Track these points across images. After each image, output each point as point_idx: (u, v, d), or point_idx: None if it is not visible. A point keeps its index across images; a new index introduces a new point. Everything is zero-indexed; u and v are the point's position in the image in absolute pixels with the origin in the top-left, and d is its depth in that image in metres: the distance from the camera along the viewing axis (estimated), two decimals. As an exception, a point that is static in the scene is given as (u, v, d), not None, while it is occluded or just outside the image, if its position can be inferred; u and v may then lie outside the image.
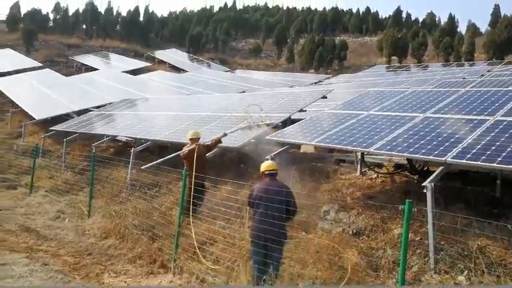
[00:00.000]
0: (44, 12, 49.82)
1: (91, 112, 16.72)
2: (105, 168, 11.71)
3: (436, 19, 54.44)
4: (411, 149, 5.57)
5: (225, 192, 7.82)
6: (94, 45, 44.97)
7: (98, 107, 17.48)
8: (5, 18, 47.51)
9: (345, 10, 66.32)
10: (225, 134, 8.22)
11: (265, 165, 5.51)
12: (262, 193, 5.21)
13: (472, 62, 29.01)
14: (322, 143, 6.39)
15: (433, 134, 5.81)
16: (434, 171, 5.66)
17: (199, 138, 8.02)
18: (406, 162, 7.73)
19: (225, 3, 73.73)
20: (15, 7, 47.71)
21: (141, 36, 51.68)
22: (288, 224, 5.34)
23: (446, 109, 6.71)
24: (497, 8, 37.80)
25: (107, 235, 7.17)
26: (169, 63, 41.46)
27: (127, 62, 37.90)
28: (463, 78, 15.31)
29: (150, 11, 60.39)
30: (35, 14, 46.12)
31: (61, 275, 5.69)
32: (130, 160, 10.74)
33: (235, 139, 8.27)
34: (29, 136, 17.33)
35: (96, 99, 19.31)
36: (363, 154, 7.85)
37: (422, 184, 4.97)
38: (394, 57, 35.43)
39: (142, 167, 8.71)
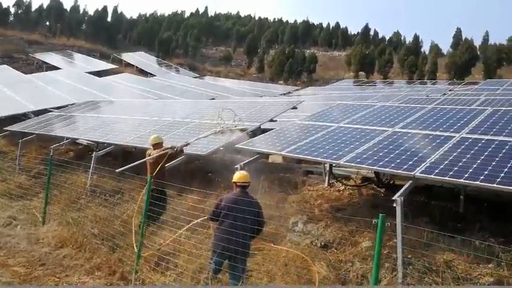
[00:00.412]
0: (4, 5, 47.54)
1: (51, 113, 15.94)
2: (64, 172, 11.10)
3: (402, 38, 56.56)
4: (381, 163, 5.59)
5: (190, 201, 7.57)
6: (57, 43, 43.35)
7: (58, 108, 16.70)
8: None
9: (315, 24, 67.66)
10: (187, 144, 7.95)
11: (238, 176, 5.37)
12: (233, 204, 5.04)
13: (434, 81, 30.26)
14: (292, 153, 6.31)
15: (401, 149, 5.87)
16: (400, 185, 5.71)
17: (162, 143, 7.78)
18: (373, 175, 7.80)
19: (197, 9, 73.81)
20: (-27, -1, 45.34)
21: (108, 37, 50.43)
22: (256, 236, 5.24)
23: (414, 124, 6.82)
24: (459, 31, 39.82)
25: (62, 244, 6.71)
26: (136, 67, 40.56)
27: (92, 62, 36.74)
28: (427, 95, 15.85)
29: (119, 12, 59.11)
30: (-7, 6, 43.88)
31: (10, 287, 5.24)
32: (92, 165, 10.25)
33: (202, 146, 8.04)
34: (-20, 136, 16.25)
35: (56, 99, 18.48)
36: (331, 166, 7.85)
37: (392, 198, 4.97)
38: (361, 73, 36.42)
39: (118, 170, 8.31)
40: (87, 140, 12.69)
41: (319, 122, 7.57)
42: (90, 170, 10.23)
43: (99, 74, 31.37)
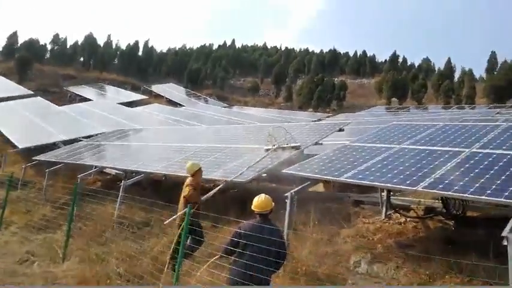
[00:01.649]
0: (42, 42, 49.61)
1: (80, 142, 15.58)
2: (90, 203, 10.47)
3: (432, 64, 55.06)
4: (476, 190, 4.39)
5: (227, 233, 6.64)
6: (90, 76, 44.49)
7: (88, 137, 16.37)
8: (0, 49, 47.38)
9: (341, 53, 67.22)
10: (226, 182, 7.09)
11: (256, 203, 4.53)
12: (253, 232, 4.27)
13: (473, 105, 28.61)
14: (353, 179, 5.31)
15: (495, 170, 4.75)
16: (473, 217, 4.65)
17: (201, 171, 6.90)
18: (437, 205, 6.67)
19: (224, 41, 74.83)
20: (13, 37, 47.59)
21: (139, 70, 51.58)
22: (277, 272, 4.49)
23: (494, 144, 5.72)
24: (493, 54, 38.16)
25: (83, 285, 5.86)
26: (166, 97, 40.88)
27: (123, 94, 37.23)
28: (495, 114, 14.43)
29: (150, 46, 60.67)
30: (31, 43, 45.86)
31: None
32: (120, 194, 9.54)
33: (241, 172, 7.16)
34: (10, 166, 16.00)
35: (87, 129, 18.24)
36: (389, 194, 6.76)
37: (503, 235, 3.86)
38: (393, 99, 35.14)
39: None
40: (116, 169, 12.08)
41: (377, 144, 6.57)
42: (118, 200, 9.51)
43: (130, 105, 31.56)
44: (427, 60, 53.56)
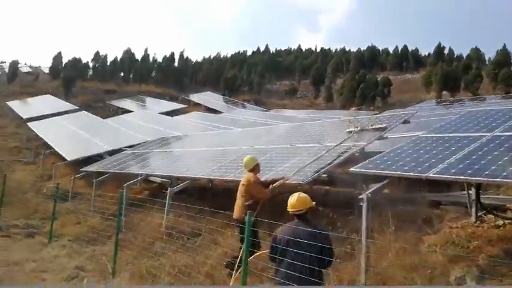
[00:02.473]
0: (84, 60, 51.36)
1: (124, 151, 15.39)
2: (138, 212, 10.08)
3: (482, 54, 51.78)
4: None
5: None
6: (130, 90, 45.36)
7: (131, 147, 16.19)
8: (48, 70, 49.54)
9: (380, 49, 64.99)
10: (285, 179, 6.30)
11: (290, 203, 3.95)
12: (289, 236, 3.73)
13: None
14: (445, 175, 4.36)
15: None
16: None
17: (259, 166, 6.19)
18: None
19: (258, 47, 74.62)
20: (58, 57, 49.58)
21: (176, 80, 52.21)
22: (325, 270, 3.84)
23: None
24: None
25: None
26: (204, 106, 40.83)
27: (162, 104, 37.53)
28: None
29: (185, 57, 61.45)
30: (75, 62, 47.52)
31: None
32: (166, 203, 9.02)
33: (300, 172, 6.37)
34: (60, 178, 16.10)
35: (130, 139, 18.12)
36: (478, 193, 5.71)
37: None
38: (444, 92, 33.02)
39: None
40: (161, 177, 11.64)
41: (460, 133, 5.57)
42: (166, 209, 8.99)
43: (170, 114, 31.66)
44: (476, 50, 50.41)
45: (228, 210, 9.54)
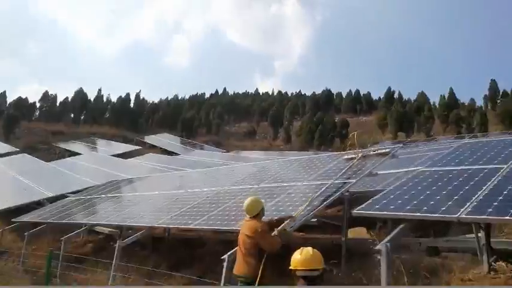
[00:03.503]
0: (31, 100, 48.49)
1: (67, 198, 13.55)
2: (79, 271, 8.39)
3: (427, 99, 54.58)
4: None
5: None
6: (81, 132, 42.92)
7: (77, 192, 14.35)
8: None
9: (334, 93, 67.12)
10: (293, 218, 5.02)
11: (301, 260, 2.85)
12: None
13: (486, 134, 27.17)
14: (481, 215, 3.36)
15: None
16: None
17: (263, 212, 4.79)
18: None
19: (216, 90, 74.78)
20: (1, 97, 46.51)
21: (131, 122, 50.34)
22: None
23: None
24: (494, 82, 37.56)
25: None
26: (160, 147, 39.14)
27: (115, 146, 35.50)
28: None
29: (141, 98, 60.03)
30: (20, 102, 44.65)
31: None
32: (114, 258, 7.46)
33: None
34: (-15, 232, 13.81)
35: (76, 183, 16.24)
36: (489, 236, 4.85)
37: None
38: (400, 133, 33.77)
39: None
40: (109, 226, 10.06)
41: (472, 166, 4.75)
42: (113, 267, 7.41)
43: (123, 156, 29.72)
44: (423, 94, 53.08)
45: (189, 266, 8.16)
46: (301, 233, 9.07)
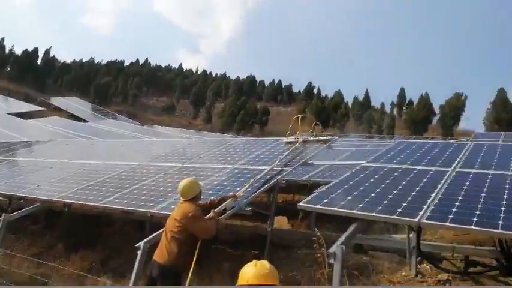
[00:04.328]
0: None
1: None
2: None
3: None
4: None
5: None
6: (-29, 82, 37.39)
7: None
8: None
9: (258, 80, 67.52)
10: (236, 197, 4.56)
11: (252, 273, 2.29)
12: None
13: (393, 136, 29.25)
14: (439, 221, 3.08)
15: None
16: None
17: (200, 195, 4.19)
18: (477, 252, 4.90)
19: (137, 59, 70.30)
20: None
21: (36, 80, 45.24)
22: None
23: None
24: (402, 90, 40.73)
25: None
26: (67, 111, 35.69)
27: (13, 104, 31.44)
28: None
29: (51, 55, 54.16)
30: None
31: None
32: (-3, 234, 6.19)
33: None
34: None
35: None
36: (419, 238, 4.79)
37: None
38: (287, 132, 34.95)
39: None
40: (-5, 194, 8.52)
41: (419, 166, 4.55)
42: (-6, 244, 6.15)
43: (22, 116, 26.37)
44: (339, 93, 55.82)
45: (89, 247, 7.14)
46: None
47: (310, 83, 59.21)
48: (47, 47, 61.44)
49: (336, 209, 3.57)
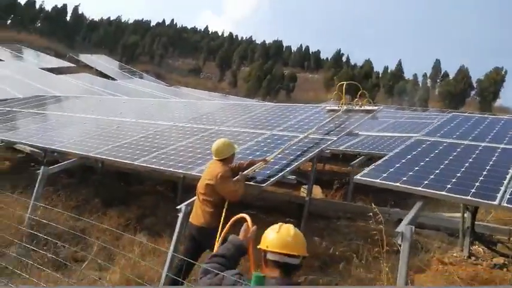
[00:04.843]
0: None
1: (-18, 107, 11.51)
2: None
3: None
4: None
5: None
6: (5, 36, 37.69)
7: (-6, 102, 12.29)
8: None
9: (285, 45, 65.86)
10: (266, 161, 4.48)
11: (275, 238, 1.95)
12: None
13: (426, 109, 28.17)
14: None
15: None
16: None
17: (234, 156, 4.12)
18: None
19: (163, 19, 69.52)
20: None
21: (66, 36, 45.41)
22: None
23: None
24: (437, 62, 38.93)
25: None
26: (96, 69, 35.85)
27: (44, 59, 31.76)
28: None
29: (80, 12, 54.07)
30: None
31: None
32: (36, 186, 6.21)
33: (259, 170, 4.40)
34: None
35: (-5, 92, 13.99)
36: (474, 219, 4.50)
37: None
38: (346, 96, 34.05)
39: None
40: (31, 146, 8.62)
41: (467, 141, 4.20)
42: (33, 195, 6.18)
43: (52, 71, 26.60)
44: (369, 62, 53.95)
45: (125, 204, 7.15)
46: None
47: (339, 50, 57.26)
48: (76, 3, 61.21)
49: (398, 184, 3.29)
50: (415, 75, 36.81)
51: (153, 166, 5.40)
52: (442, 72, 37.93)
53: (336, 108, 6.63)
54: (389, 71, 38.93)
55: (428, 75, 39.29)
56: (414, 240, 5.10)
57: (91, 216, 6.09)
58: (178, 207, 4.22)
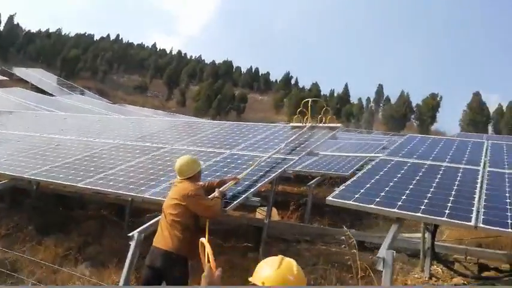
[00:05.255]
0: None
1: None
2: None
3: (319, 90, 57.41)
4: None
5: None
6: None
7: None
8: None
9: (235, 66, 66.38)
10: (237, 180, 4.21)
11: (274, 275, 1.62)
12: None
13: (371, 131, 29.33)
14: (498, 226, 2.75)
15: None
16: None
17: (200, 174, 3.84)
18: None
19: (108, 34, 67.35)
20: None
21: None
22: None
23: None
24: (380, 87, 41.02)
25: None
26: (32, 84, 33.62)
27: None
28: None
29: (15, 23, 50.92)
30: None
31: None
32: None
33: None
34: None
35: None
36: (433, 241, 4.50)
37: None
38: (295, 117, 34.73)
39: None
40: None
41: (430, 162, 4.20)
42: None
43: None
44: (316, 85, 55.74)
45: (62, 231, 6.43)
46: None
47: (288, 72, 58.74)
48: (10, 13, 57.71)
49: (372, 206, 3.15)
50: (359, 99, 38.59)
51: (99, 188, 4.90)
52: (385, 97, 40.10)
53: (301, 125, 6.57)
54: (335, 94, 40.48)
55: (372, 99, 41.38)
56: (373, 262, 5.04)
57: (23, 247, 5.40)
58: (130, 234, 3.78)
